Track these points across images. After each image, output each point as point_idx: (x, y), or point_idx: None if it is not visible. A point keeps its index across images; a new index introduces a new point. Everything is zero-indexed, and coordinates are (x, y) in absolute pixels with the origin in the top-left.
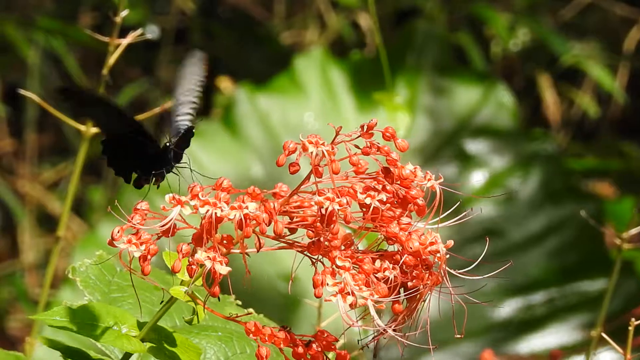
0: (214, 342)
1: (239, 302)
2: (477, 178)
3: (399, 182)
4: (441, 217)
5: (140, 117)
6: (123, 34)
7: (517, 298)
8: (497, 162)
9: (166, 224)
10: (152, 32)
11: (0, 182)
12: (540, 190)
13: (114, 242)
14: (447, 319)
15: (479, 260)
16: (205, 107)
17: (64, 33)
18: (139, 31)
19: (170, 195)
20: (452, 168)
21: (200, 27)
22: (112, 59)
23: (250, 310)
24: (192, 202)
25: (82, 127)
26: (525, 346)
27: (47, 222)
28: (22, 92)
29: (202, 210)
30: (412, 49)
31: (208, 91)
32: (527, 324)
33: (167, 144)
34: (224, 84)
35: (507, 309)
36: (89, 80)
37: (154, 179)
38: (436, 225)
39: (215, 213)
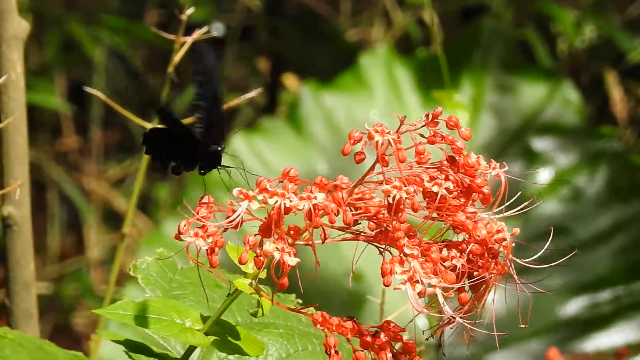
0: (276, 338)
1: (300, 301)
2: (543, 176)
3: (463, 171)
4: (506, 205)
5: None
6: (189, 31)
7: (584, 296)
8: (563, 159)
9: (235, 218)
10: (217, 29)
11: (66, 179)
12: (606, 187)
13: (181, 235)
14: (513, 317)
15: (539, 253)
16: (270, 105)
17: (130, 31)
18: (204, 29)
19: (238, 189)
20: (518, 165)
21: (266, 24)
22: (177, 57)
23: (313, 304)
24: (260, 197)
25: (147, 125)
26: (591, 344)
27: (112, 219)
28: (88, 89)
29: (271, 202)
30: (478, 46)
31: (274, 88)
32: (593, 322)
33: (217, 147)
34: (289, 81)
35: (573, 307)
36: (154, 78)
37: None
38: (501, 215)
39: (284, 204)
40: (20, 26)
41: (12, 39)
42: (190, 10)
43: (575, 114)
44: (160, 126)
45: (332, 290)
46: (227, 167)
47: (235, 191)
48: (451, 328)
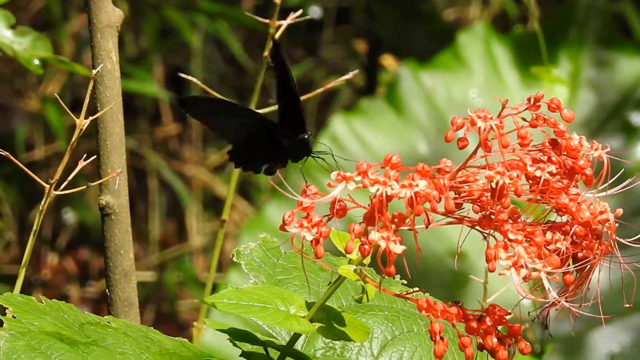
0: (381, 321)
1: (404, 282)
2: None
3: (565, 153)
4: (607, 185)
5: (305, 97)
6: (285, 15)
7: None
8: None
9: (331, 199)
10: (314, 12)
11: (166, 166)
12: None
13: (285, 226)
14: (615, 292)
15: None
16: (369, 86)
17: (226, 16)
18: (299, 12)
19: (336, 172)
20: (617, 140)
21: (362, 5)
22: (272, 41)
23: (417, 288)
24: (357, 178)
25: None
26: None
27: (213, 206)
28: (184, 76)
29: (372, 189)
30: (574, 22)
31: (372, 69)
32: None
33: (305, 135)
34: (388, 61)
35: None
36: (252, 63)
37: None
38: (604, 194)
39: (386, 192)
40: (114, 15)
41: (106, 28)
42: None
43: None
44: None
45: (433, 269)
46: (320, 153)
47: (333, 174)
48: (556, 310)
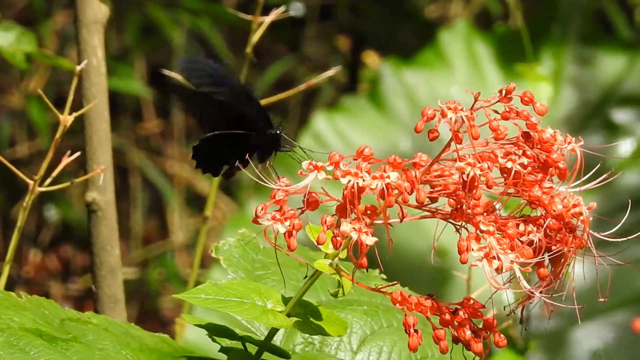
0: (360, 316)
1: (384, 276)
2: (625, 147)
3: (539, 147)
4: (585, 179)
5: (287, 94)
6: (267, 11)
7: None
8: None
9: (302, 187)
10: (296, 9)
11: (148, 163)
12: None
13: (258, 219)
14: (595, 288)
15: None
16: (352, 83)
17: (209, 13)
18: (282, 8)
19: (308, 161)
20: (599, 138)
21: (345, 2)
22: (255, 37)
23: (395, 282)
24: (329, 168)
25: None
26: None
27: (196, 202)
28: (167, 72)
29: (344, 181)
30: (557, 19)
31: (354, 66)
32: None
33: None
34: (370, 59)
35: None
36: (236, 59)
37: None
38: (579, 189)
39: (357, 183)
40: (100, 11)
41: (92, 24)
42: None
43: None
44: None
45: (417, 267)
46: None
47: (304, 163)
48: (531, 303)
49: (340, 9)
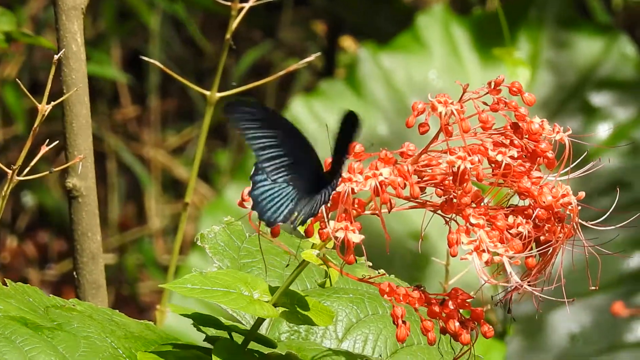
0: (346, 304)
1: (370, 264)
2: (603, 130)
3: (527, 137)
4: (570, 168)
5: (264, 80)
6: None
7: None
8: (622, 113)
9: None
10: None
11: (125, 149)
12: None
13: (244, 202)
14: (577, 272)
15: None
16: (328, 68)
17: None
18: None
19: None
20: (576, 121)
21: None
22: (234, 23)
23: (382, 271)
24: None
25: (206, 92)
26: None
27: (173, 188)
28: (144, 58)
29: (338, 189)
30: (534, 3)
31: (331, 51)
32: None
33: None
34: (347, 43)
35: (638, 260)
36: (211, 45)
37: None
38: (566, 177)
39: (352, 188)
40: None
41: (71, 10)
42: None
43: (633, 68)
44: None
45: (394, 251)
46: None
47: None
48: (519, 294)
49: None
